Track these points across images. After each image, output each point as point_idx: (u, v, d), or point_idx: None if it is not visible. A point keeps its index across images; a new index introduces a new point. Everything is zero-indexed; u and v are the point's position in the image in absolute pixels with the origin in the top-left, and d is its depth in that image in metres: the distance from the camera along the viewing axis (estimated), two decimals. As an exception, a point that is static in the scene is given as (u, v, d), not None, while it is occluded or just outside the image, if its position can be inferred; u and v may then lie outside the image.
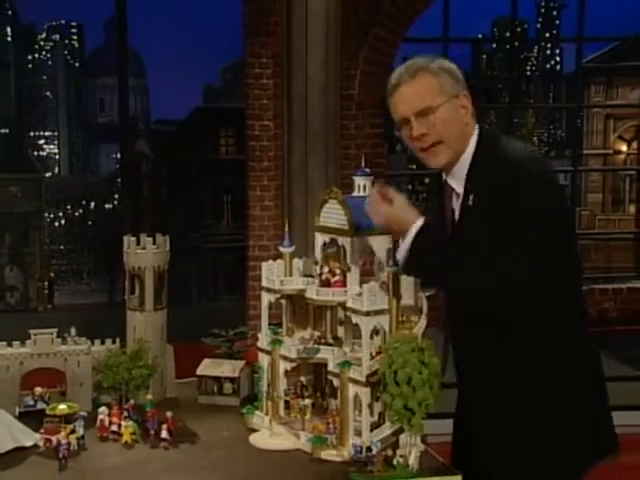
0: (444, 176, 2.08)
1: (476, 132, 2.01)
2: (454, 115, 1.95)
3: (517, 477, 2.00)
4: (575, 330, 2.01)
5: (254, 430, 2.39)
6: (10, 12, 42.59)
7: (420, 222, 1.96)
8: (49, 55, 47.38)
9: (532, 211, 1.83)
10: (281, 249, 2.40)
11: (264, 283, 2.40)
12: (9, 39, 42.90)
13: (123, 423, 2.34)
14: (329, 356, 2.26)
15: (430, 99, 1.94)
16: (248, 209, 5.05)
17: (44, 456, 2.23)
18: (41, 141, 44.79)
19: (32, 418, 2.38)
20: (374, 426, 2.18)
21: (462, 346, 2.10)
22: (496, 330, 1.94)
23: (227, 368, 2.66)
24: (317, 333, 2.38)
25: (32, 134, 43.76)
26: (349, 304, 2.20)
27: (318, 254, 2.33)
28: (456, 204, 2.01)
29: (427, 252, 1.95)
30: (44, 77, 46.12)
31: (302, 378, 2.40)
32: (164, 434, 2.29)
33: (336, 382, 2.22)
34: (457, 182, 2.00)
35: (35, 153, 41.12)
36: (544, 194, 1.86)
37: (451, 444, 2.25)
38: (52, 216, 34.66)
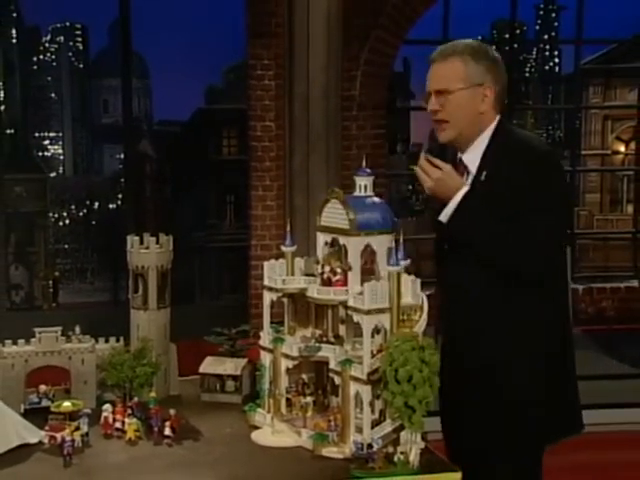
0: (459, 154, 2.28)
1: (495, 121, 2.20)
2: (469, 102, 2.14)
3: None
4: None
5: (256, 427, 2.41)
6: (15, 14, 42.62)
7: (466, 188, 2.15)
8: (54, 57, 47.39)
9: (545, 185, 2.07)
10: (283, 248, 2.42)
11: (266, 282, 2.42)
12: (14, 41, 42.93)
13: (127, 420, 2.36)
14: (330, 354, 2.28)
15: (450, 82, 2.13)
16: (250, 209, 5.07)
17: (49, 453, 2.25)
18: (46, 142, 44.81)
19: (37, 415, 2.40)
20: (375, 423, 2.19)
21: (455, 290, 2.30)
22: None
23: (229, 366, 2.67)
24: (318, 331, 2.40)
25: (37, 135, 43.78)
26: (350, 303, 2.22)
27: (319, 253, 2.35)
28: (466, 179, 2.22)
29: (471, 214, 2.16)
30: (49, 78, 46.15)
31: (304, 376, 2.42)
32: (167, 431, 2.31)
33: (337, 380, 2.24)
34: (471, 161, 2.22)
35: (40, 154, 41.14)
36: (554, 170, 2.14)
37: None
38: (57, 216, 34.66)
